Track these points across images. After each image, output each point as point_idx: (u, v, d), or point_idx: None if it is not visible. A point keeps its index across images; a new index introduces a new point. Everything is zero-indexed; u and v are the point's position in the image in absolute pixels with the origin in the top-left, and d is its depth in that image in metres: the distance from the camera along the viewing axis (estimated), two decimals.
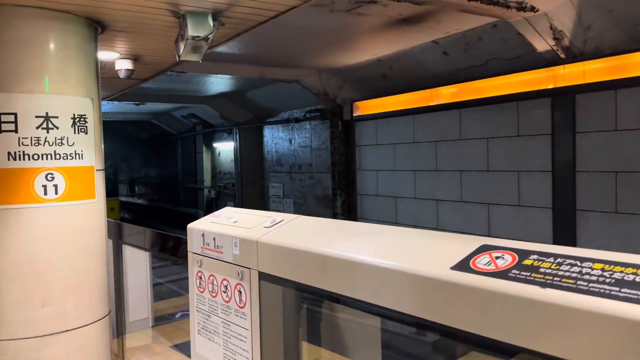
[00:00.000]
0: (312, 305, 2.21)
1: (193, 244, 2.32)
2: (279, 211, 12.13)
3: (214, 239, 2.16)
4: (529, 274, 1.16)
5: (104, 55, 4.26)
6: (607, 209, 5.64)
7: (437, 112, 7.70)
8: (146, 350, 4.82)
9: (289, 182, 11.97)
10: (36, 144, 2.78)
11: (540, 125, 6.28)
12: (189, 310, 2.33)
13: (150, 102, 13.07)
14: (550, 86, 5.98)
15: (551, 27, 5.46)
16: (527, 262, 1.21)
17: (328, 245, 1.65)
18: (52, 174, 2.82)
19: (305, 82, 9.39)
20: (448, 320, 1.26)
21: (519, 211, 6.59)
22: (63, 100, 2.89)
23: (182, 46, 3.05)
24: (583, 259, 1.16)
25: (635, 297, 0.97)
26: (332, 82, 9.30)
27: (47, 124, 2.81)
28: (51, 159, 2.81)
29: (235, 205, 14.15)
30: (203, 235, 2.25)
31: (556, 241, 6.12)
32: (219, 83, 10.77)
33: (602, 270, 1.10)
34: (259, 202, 13.20)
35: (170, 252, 3.76)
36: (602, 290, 1.02)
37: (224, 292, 2.10)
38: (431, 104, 7.71)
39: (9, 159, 2.74)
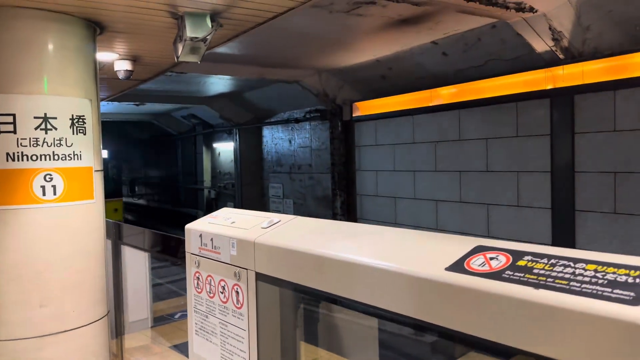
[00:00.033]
0: (311, 305, 2.22)
1: (191, 245, 2.33)
2: (279, 211, 12.14)
3: (212, 239, 2.17)
4: (522, 274, 1.16)
5: (103, 56, 4.26)
6: (606, 209, 5.64)
7: (436, 113, 7.71)
8: (145, 351, 4.83)
9: (289, 183, 11.98)
10: (35, 145, 2.79)
11: (539, 125, 6.29)
12: None
13: (150, 102, 13.09)
14: (549, 87, 5.99)
15: (550, 28, 5.47)
16: (521, 263, 1.22)
17: (324, 246, 1.66)
18: (50, 175, 2.83)
19: (305, 82, 9.40)
20: (443, 321, 1.27)
21: (518, 212, 6.60)
22: (62, 101, 2.90)
23: (180, 47, 3.05)
24: (576, 260, 1.16)
25: (627, 298, 0.98)
26: (332, 82, 9.31)
27: (46, 125, 2.81)
28: (50, 159, 2.82)
29: (235, 206, 14.16)
30: (201, 235, 2.25)
31: (555, 242, 6.12)
32: (218, 84, 10.78)
33: (595, 271, 1.10)
34: (259, 202, 13.21)
35: (169, 252, 3.76)
36: (594, 291, 1.03)
37: (222, 292, 2.11)
38: (430, 104, 7.71)
39: (7, 160, 2.74)
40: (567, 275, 1.11)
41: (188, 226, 2.36)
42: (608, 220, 5.62)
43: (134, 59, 4.43)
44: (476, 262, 1.28)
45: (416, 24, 6.14)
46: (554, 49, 5.68)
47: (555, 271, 1.14)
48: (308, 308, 2.18)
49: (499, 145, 6.85)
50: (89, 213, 3.05)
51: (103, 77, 5.50)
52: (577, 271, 1.12)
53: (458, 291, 1.22)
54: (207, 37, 2.97)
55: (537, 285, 1.11)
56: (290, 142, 11.85)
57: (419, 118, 8.09)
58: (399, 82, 8.23)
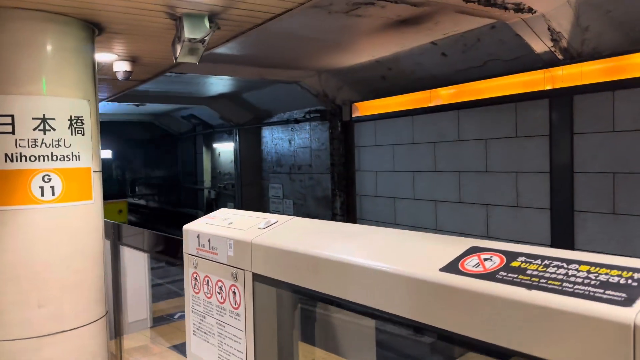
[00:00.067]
0: (309, 305, 2.22)
1: (188, 245, 2.33)
2: (279, 212, 12.15)
3: (209, 240, 2.17)
4: (516, 275, 1.17)
5: (102, 56, 4.27)
6: (604, 210, 5.64)
7: (435, 113, 7.72)
8: (144, 351, 4.83)
9: (289, 183, 11.99)
10: (33, 146, 2.79)
11: (538, 126, 6.29)
12: None
13: (150, 103, 13.11)
14: (548, 87, 5.99)
15: (549, 29, 5.47)
16: (514, 264, 1.22)
17: (320, 246, 1.66)
18: (49, 176, 2.83)
19: (305, 83, 9.41)
20: (437, 322, 1.27)
21: (517, 212, 6.60)
22: (60, 102, 2.91)
23: (178, 48, 3.06)
24: (570, 261, 1.17)
25: (619, 299, 0.98)
26: (332, 83, 9.31)
27: (44, 126, 2.82)
28: (48, 160, 2.83)
29: (235, 206, 14.17)
30: (198, 236, 2.26)
31: (554, 242, 6.12)
32: (218, 84, 10.79)
33: (588, 272, 1.11)
34: (259, 203, 13.21)
35: (168, 253, 3.76)
36: (586, 292, 1.03)
37: (219, 293, 2.11)
38: (430, 105, 7.72)
39: (5, 161, 2.75)
40: (560, 276, 1.12)
41: (186, 227, 2.36)
42: (607, 220, 5.63)
43: (133, 60, 4.44)
44: (470, 263, 1.28)
45: (415, 25, 6.15)
46: (553, 49, 5.68)
47: (548, 272, 1.15)
48: (307, 308, 2.19)
49: (498, 146, 6.85)
50: (88, 213, 3.05)
51: (102, 78, 5.51)
52: (570, 272, 1.12)
53: (452, 292, 1.22)
54: (205, 38, 2.98)
55: (530, 286, 1.11)
56: (290, 142, 11.86)
57: (419, 118, 8.10)
58: (399, 82, 8.23)
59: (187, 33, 2.90)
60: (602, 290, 1.02)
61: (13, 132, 2.76)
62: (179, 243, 3.17)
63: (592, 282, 1.06)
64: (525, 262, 1.22)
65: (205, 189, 16.59)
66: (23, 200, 2.79)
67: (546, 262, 1.19)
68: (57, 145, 2.86)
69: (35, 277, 2.82)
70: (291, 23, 5.90)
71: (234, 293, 2.02)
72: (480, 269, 1.24)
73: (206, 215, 2.41)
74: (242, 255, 1.97)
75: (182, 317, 6.30)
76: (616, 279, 1.05)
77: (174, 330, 5.57)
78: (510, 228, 6.72)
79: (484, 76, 6.81)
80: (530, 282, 1.12)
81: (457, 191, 7.45)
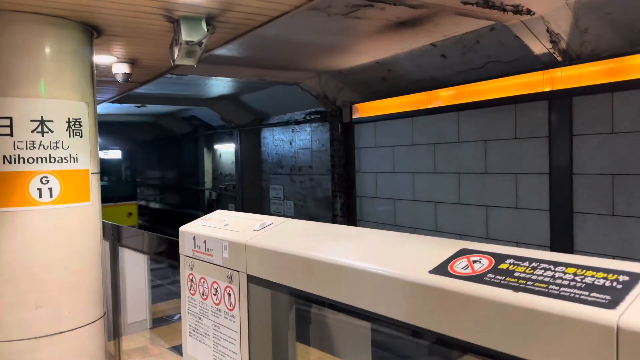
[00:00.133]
0: (306, 306, 2.23)
1: (185, 247, 2.35)
2: (280, 213, 12.16)
3: (205, 241, 2.19)
4: (503, 278, 1.18)
5: (101, 59, 4.29)
6: (604, 211, 5.64)
7: (435, 115, 7.72)
8: (143, 352, 4.85)
9: (289, 184, 12.00)
10: (31, 148, 2.81)
11: (537, 127, 6.29)
12: None
13: (151, 104, 13.14)
14: (547, 89, 5.99)
15: (548, 30, 5.48)
16: (503, 266, 1.23)
17: (313, 248, 1.67)
18: (47, 177, 2.85)
19: (305, 84, 9.42)
20: (427, 324, 1.28)
21: (516, 213, 6.60)
22: (58, 104, 2.92)
23: (176, 51, 3.07)
24: (557, 264, 1.18)
25: (604, 301, 0.99)
26: (332, 84, 9.33)
27: (42, 128, 2.84)
28: (46, 162, 2.84)
29: (236, 207, 14.19)
30: (194, 238, 2.27)
31: (553, 243, 6.12)
32: (219, 85, 10.82)
33: (575, 274, 1.11)
34: (260, 204, 13.23)
35: (166, 255, 3.78)
36: (572, 295, 1.04)
37: (214, 294, 2.12)
38: (430, 106, 7.72)
39: (4, 163, 2.77)
40: (546, 279, 1.12)
41: (182, 228, 2.38)
42: (606, 222, 5.63)
43: (132, 62, 4.46)
44: (459, 265, 1.29)
45: (415, 27, 6.16)
46: (552, 51, 5.69)
47: (535, 274, 1.16)
48: (303, 309, 2.20)
49: (497, 147, 6.85)
50: (86, 215, 3.07)
51: (102, 80, 5.53)
52: (557, 274, 1.13)
53: (441, 294, 1.23)
54: (203, 40, 2.99)
55: (516, 289, 1.12)
56: (290, 143, 11.87)
57: (418, 120, 8.11)
58: (399, 84, 8.24)
59: (185, 36, 2.92)
60: (587, 293, 1.03)
61: (11, 134, 2.77)
62: (177, 244, 3.19)
63: (578, 285, 1.07)
64: (514, 264, 1.22)
65: (206, 190, 16.61)
66: (21, 202, 2.80)
67: (534, 264, 1.20)
68: (55, 147, 2.87)
69: (33, 278, 2.83)
70: (291, 25, 5.91)
71: (229, 294, 2.03)
72: (468, 271, 1.25)
73: (202, 217, 2.43)
74: (237, 257, 1.98)
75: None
76: (601, 281, 1.06)
77: (173, 331, 5.57)
78: (510, 229, 6.72)
79: (484, 78, 6.81)
80: (518, 285, 1.13)
81: (456, 192, 7.46)
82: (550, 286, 1.09)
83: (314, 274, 1.62)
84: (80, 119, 3.00)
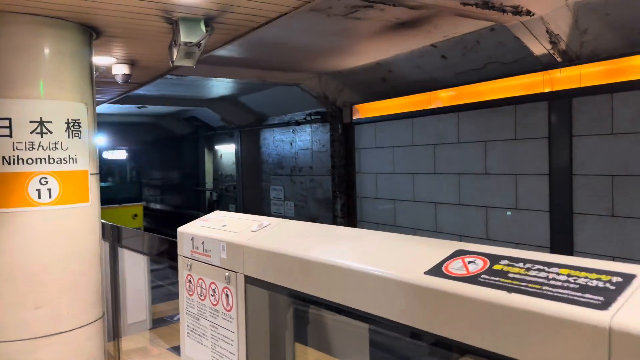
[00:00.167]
0: (305, 306, 2.23)
1: (183, 248, 2.35)
2: (280, 213, 12.17)
3: (203, 242, 2.19)
4: (497, 279, 1.18)
5: (100, 60, 4.30)
6: (603, 212, 5.64)
7: (435, 115, 7.73)
8: (143, 353, 4.85)
9: (290, 185, 12.01)
10: (30, 149, 2.82)
11: (537, 128, 6.29)
12: None
13: (152, 105, 13.16)
14: (547, 89, 5.99)
15: (547, 31, 5.48)
16: (497, 267, 1.23)
17: (309, 249, 1.68)
18: (46, 178, 2.86)
19: (305, 85, 9.43)
20: (422, 325, 1.28)
21: (516, 214, 6.60)
22: (57, 105, 2.93)
23: (175, 52, 3.08)
24: (551, 264, 1.18)
25: (597, 302, 0.99)
26: (332, 85, 9.33)
27: (42, 129, 2.84)
28: (45, 163, 2.85)
29: (237, 208, 14.20)
30: (192, 239, 2.27)
31: (553, 244, 6.12)
32: (219, 86, 10.83)
33: (568, 275, 1.12)
34: (260, 204, 13.24)
35: (167, 255, 3.78)
36: (566, 296, 1.04)
37: (212, 295, 2.13)
38: (430, 107, 7.73)
39: (3, 163, 2.77)
40: (540, 280, 1.13)
41: (180, 229, 2.38)
42: (606, 222, 5.62)
43: (132, 63, 4.46)
44: (454, 266, 1.30)
45: (415, 27, 6.16)
46: (551, 52, 5.69)
47: (529, 275, 1.16)
48: (302, 309, 2.20)
49: (497, 148, 6.86)
50: (85, 216, 3.07)
51: (102, 81, 5.54)
52: (551, 275, 1.13)
53: (435, 295, 1.24)
54: (201, 41, 3.00)
55: (510, 290, 1.12)
56: (291, 144, 11.88)
57: (418, 121, 8.11)
58: (399, 84, 8.24)
59: (183, 37, 2.92)
60: (580, 294, 1.03)
61: (10, 135, 2.78)
62: (176, 245, 3.19)
63: (572, 286, 1.07)
64: (508, 265, 1.23)
65: (207, 191, 16.62)
66: (20, 203, 2.81)
67: (528, 265, 1.20)
68: (54, 148, 2.88)
69: (32, 278, 2.84)
70: (291, 26, 5.92)
71: (227, 295, 2.03)
72: (463, 272, 1.25)
73: (200, 218, 2.43)
74: (235, 258, 1.98)
75: None
76: (595, 282, 1.06)
77: (173, 332, 5.57)
78: (509, 230, 6.72)
79: (484, 78, 6.82)
80: (511, 285, 1.13)
81: (456, 193, 7.46)
82: (544, 287, 1.09)
83: (310, 274, 1.62)
84: (79, 119, 3.00)
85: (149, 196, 22.40)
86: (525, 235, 6.48)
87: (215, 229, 2.21)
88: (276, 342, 2.03)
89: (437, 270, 1.29)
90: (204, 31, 2.95)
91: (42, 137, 2.85)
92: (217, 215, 2.42)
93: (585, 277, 1.09)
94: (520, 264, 1.21)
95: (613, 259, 5.48)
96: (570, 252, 5.90)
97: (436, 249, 1.42)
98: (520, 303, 1.07)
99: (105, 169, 13.66)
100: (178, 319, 6.21)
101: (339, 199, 9.84)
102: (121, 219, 12.17)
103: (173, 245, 3.37)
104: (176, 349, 5.00)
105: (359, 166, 9.54)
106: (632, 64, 5.25)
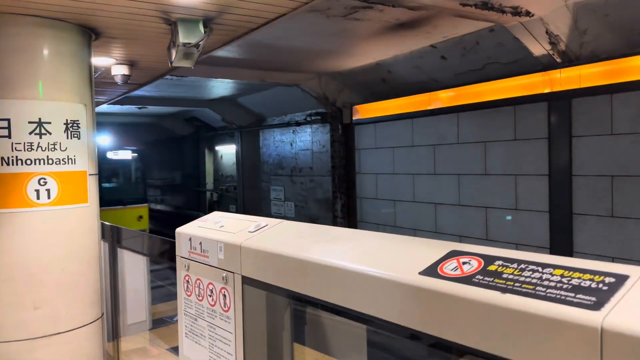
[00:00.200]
0: (303, 307, 2.24)
1: (181, 248, 2.36)
2: (280, 214, 12.18)
3: (201, 243, 2.20)
4: (491, 279, 1.19)
5: (100, 60, 4.31)
6: (603, 212, 5.64)
7: (435, 116, 7.73)
8: (142, 353, 4.85)
9: (290, 185, 12.01)
10: (29, 149, 2.82)
11: (537, 129, 6.30)
12: None
13: (152, 105, 13.17)
14: (546, 90, 5.99)
15: (547, 32, 5.48)
16: (491, 267, 1.24)
17: (306, 250, 1.68)
18: (44, 179, 2.86)
19: (305, 86, 9.44)
20: (416, 325, 1.29)
21: (516, 215, 6.60)
22: (56, 106, 2.94)
23: (174, 53, 3.09)
24: (545, 265, 1.18)
25: (589, 302, 1.00)
26: (332, 86, 9.34)
27: (40, 130, 2.85)
28: (44, 164, 2.86)
29: (237, 208, 14.21)
30: (190, 239, 2.28)
31: (553, 245, 6.12)
32: (220, 87, 10.84)
33: (562, 276, 1.12)
34: (261, 205, 13.24)
35: (166, 256, 3.78)
36: (558, 296, 1.05)
37: (210, 295, 2.13)
38: (429, 107, 7.73)
39: (2, 164, 2.78)
40: (534, 280, 1.13)
41: (178, 230, 2.39)
42: (605, 223, 5.62)
43: (131, 64, 4.47)
44: (449, 267, 1.30)
45: (414, 28, 6.17)
46: (551, 52, 5.69)
47: (523, 276, 1.16)
48: (301, 310, 2.20)
49: (497, 149, 6.86)
50: (83, 216, 3.08)
51: (102, 81, 5.55)
52: (545, 276, 1.14)
53: (430, 295, 1.24)
54: (200, 42, 3.00)
55: (504, 290, 1.13)
56: (291, 144, 11.89)
57: (418, 121, 8.11)
58: (399, 85, 8.25)
59: (182, 38, 2.93)
60: (573, 294, 1.04)
61: (9, 136, 2.79)
62: (174, 246, 3.19)
63: (565, 286, 1.07)
64: (502, 265, 1.23)
65: (208, 192, 16.63)
66: (19, 204, 2.82)
67: (522, 266, 1.21)
68: (52, 149, 2.88)
69: (31, 279, 2.85)
70: (290, 27, 5.92)
71: (224, 296, 2.04)
72: (457, 273, 1.26)
73: (198, 219, 2.44)
74: (232, 258, 1.99)
75: None
76: (588, 282, 1.07)
77: (173, 332, 5.58)
78: (509, 231, 6.72)
79: (483, 79, 6.82)
80: (505, 286, 1.14)
81: (456, 194, 7.46)
82: (537, 288, 1.10)
83: (306, 275, 1.63)
84: (78, 120, 3.01)
85: (149, 197, 22.39)
86: (525, 235, 6.48)
87: (213, 229, 2.22)
88: (273, 343, 2.03)
89: (431, 271, 1.30)
90: (203, 32, 2.96)
91: (40, 137, 2.85)
92: (215, 216, 2.42)
93: (579, 278, 1.09)
94: (515, 265, 1.22)
95: (613, 259, 5.48)
96: (570, 252, 5.90)
97: (432, 250, 1.43)
98: (513, 303, 1.08)
99: (110, 170, 13.49)
100: (177, 320, 6.19)
101: (339, 199, 9.84)
102: (126, 220, 11.96)
103: (172, 246, 3.38)
104: (176, 350, 4.99)
105: (359, 167, 9.54)
106: (631, 65, 5.25)
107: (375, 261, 1.49)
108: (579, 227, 5.88)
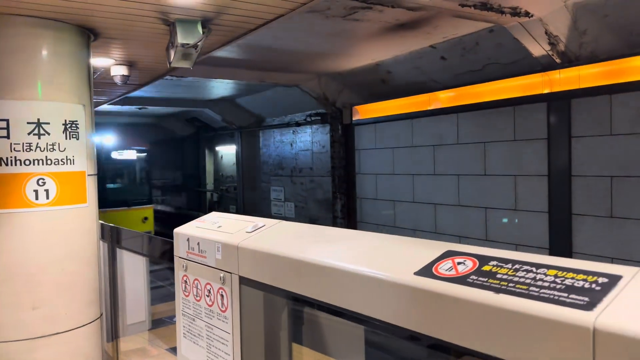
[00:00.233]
0: (300, 307, 2.24)
1: (179, 249, 2.36)
2: (280, 214, 12.18)
3: (198, 243, 2.20)
4: (486, 279, 1.19)
5: (99, 61, 4.31)
6: (602, 213, 5.64)
7: (435, 117, 7.73)
8: (142, 353, 4.86)
9: (290, 186, 12.02)
10: (28, 150, 2.83)
11: (536, 129, 6.30)
12: None
13: (152, 106, 13.17)
14: (546, 91, 6.00)
15: (546, 32, 5.48)
16: (486, 268, 1.24)
17: (302, 250, 1.69)
18: (43, 179, 2.87)
19: (305, 86, 9.44)
20: (411, 325, 1.29)
21: (515, 215, 6.60)
22: (55, 106, 2.94)
23: (172, 53, 3.09)
24: (539, 265, 1.19)
25: (582, 303, 1.00)
26: (332, 86, 9.34)
27: (39, 130, 2.86)
28: (42, 164, 2.86)
29: (237, 208, 14.21)
30: (188, 239, 2.28)
31: (552, 245, 6.12)
32: (220, 87, 10.85)
33: (555, 276, 1.12)
34: (261, 205, 13.25)
35: (165, 257, 3.78)
36: (551, 296, 1.05)
37: (207, 296, 2.14)
38: (429, 108, 7.73)
39: (0, 164, 2.78)
40: (528, 280, 1.13)
41: (176, 230, 2.39)
42: (605, 224, 5.62)
43: (130, 64, 4.48)
44: (444, 267, 1.30)
45: (414, 29, 6.17)
46: (550, 53, 5.69)
47: (517, 276, 1.17)
48: (299, 310, 2.20)
49: (496, 149, 6.86)
50: (82, 217, 3.08)
51: (102, 82, 5.56)
52: (538, 276, 1.14)
53: (424, 295, 1.24)
54: (198, 43, 3.01)
55: (498, 290, 1.13)
56: (291, 145, 11.89)
57: (418, 122, 8.11)
58: (398, 85, 8.26)
59: (180, 38, 2.94)
60: (566, 295, 1.04)
61: (8, 137, 2.79)
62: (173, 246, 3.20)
63: (558, 286, 1.08)
64: (497, 266, 1.23)
65: (208, 192, 16.63)
66: (18, 204, 2.82)
67: (516, 266, 1.21)
68: (51, 150, 2.89)
69: (30, 279, 2.85)
70: (290, 27, 5.93)
71: (222, 296, 2.04)
72: (452, 273, 1.26)
73: (197, 219, 2.44)
74: (230, 259, 1.99)
75: None
76: (581, 283, 1.07)
77: (172, 332, 5.56)
78: (508, 231, 6.72)
79: (483, 79, 6.82)
80: (499, 286, 1.14)
81: (456, 194, 7.46)
82: (531, 288, 1.10)
83: (303, 275, 1.63)
84: (76, 121, 3.01)
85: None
86: (524, 236, 6.49)
87: (210, 230, 2.22)
88: (271, 343, 2.03)
89: (426, 271, 1.30)
90: (201, 33, 2.96)
91: (39, 138, 2.86)
92: (213, 217, 2.43)
93: (572, 278, 1.10)
94: (509, 265, 1.22)
95: (612, 260, 5.48)
96: (569, 253, 5.90)
97: (428, 250, 1.43)
98: (507, 303, 1.08)
99: (114, 170, 13.31)
100: None
101: (338, 199, 9.85)
102: (131, 222, 11.71)
103: (170, 246, 3.38)
104: (175, 350, 5.00)
105: (359, 167, 9.54)
106: (630, 65, 5.25)
107: (371, 261, 1.50)
108: (578, 227, 5.89)
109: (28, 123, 2.84)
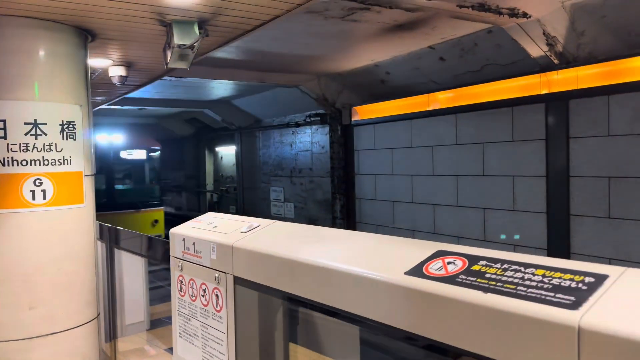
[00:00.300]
0: (293, 306, 2.24)
1: (175, 249, 2.37)
2: (280, 215, 12.19)
3: (194, 243, 2.21)
4: (474, 279, 1.20)
5: (97, 62, 4.32)
6: (600, 214, 5.65)
7: (433, 117, 7.74)
8: (140, 354, 4.86)
9: (290, 186, 12.03)
10: (25, 150, 2.84)
11: (534, 130, 6.30)
12: None
13: (152, 106, 13.18)
14: (544, 91, 6.00)
15: (544, 33, 5.49)
16: (475, 267, 1.25)
17: (295, 250, 1.70)
18: (40, 180, 2.88)
19: (305, 87, 9.46)
20: (402, 324, 1.30)
21: (513, 216, 6.61)
22: (52, 107, 2.95)
23: (169, 54, 3.10)
24: (527, 265, 1.19)
25: (568, 302, 1.01)
26: (331, 87, 9.36)
27: (36, 131, 2.87)
28: (39, 164, 2.87)
29: (237, 209, 14.22)
30: (184, 240, 2.29)
31: (550, 246, 6.13)
32: (220, 88, 10.87)
33: (543, 276, 1.13)
34: (260, 206, 13.26)
35: (163, 257, 3.79)
36: (538, 296, 1.06)
37: (203, 296, 2.15)
38: (428, 109, 7.74)
39: None
40: (516, 280, 1.14)
41: (172, 230, 2.40)
42: (602, 224, 5.63)
43: (128, 65, 4.49)
44: (434, 267, 1.31)
45: (412, 30, 6.18)
46: (548, 54, 5.70)
47: (505, 276, 1.17)
48: (293, 309, 2.21)
49: (495, 150, 6.87)
50: (79, 217, 3.09)
51: (100, 82, 5.57)
52: (526, 276, 1.15)
53: (414, 295, 1.25)
54: (195, 44, 3.02)
55: (486, 290, 1.14)
56: (291, 145, 11.91)
57: (417, 122, 8.12)
58: (397, 86, 8.27)
59: (177, 39, 2.95)
60: (553, 294, 1.05)
61: (5, 137, 2.80)
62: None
63: (545, 286, 1.09)
64: (486, 265, 1.24)
65: (208, 193, 16.65)
66: (15, 204, 2.83)
67: (505, 265, 1.22)
68: (48, 150, 2.90)
69: (27, 279, 2.86)
70: (289, 28, 5.94)
71: (217, 296, 2.05)
72: (442, 273, 1.27)
73: (193, 219, 2.45)
74: (224, 259, 2.00)
75: None
76: (568, 282, 1.08)
77: (171, 333, 5.57)
78: (507, 232, 6.73)
79: (481, 80, 6.83)
80: (487, 286, 1.15)
81: (454, 195, 7.47)
82: (519, 287, 1.11)
83: (296, 275, 1.64)
84: (73, 121, 3.02)
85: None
86: (522, 236, 6.49)
87: (206, 230, 2.23)
88: (266, 343, 2.04)
89: (417, 271, 1.31)
90: (198, 34, 2.97)
91: (36, 138, 2.87)
92: (209, 217, 2.44)
93: (559, 278, 1.10)
94: (498, 265, 1.23)
95: (609, 260, 5.49)
96: (567, 253, 5.91)
97: (419, 250, 1.44)
98: (494, 303, 1.09)
99: (122, 170, 12.87)
100: None
101: (338, 200, 9.86)
102: (140, 225, 11.22)
103: (167, 247, 3.38)
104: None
105: (358, 168, 9.55)
106: (628, 66, 5.26)
107: (363, 261, 1.50)
108: (576, 228, 5.89)
109: (25, 123, 2.85)
